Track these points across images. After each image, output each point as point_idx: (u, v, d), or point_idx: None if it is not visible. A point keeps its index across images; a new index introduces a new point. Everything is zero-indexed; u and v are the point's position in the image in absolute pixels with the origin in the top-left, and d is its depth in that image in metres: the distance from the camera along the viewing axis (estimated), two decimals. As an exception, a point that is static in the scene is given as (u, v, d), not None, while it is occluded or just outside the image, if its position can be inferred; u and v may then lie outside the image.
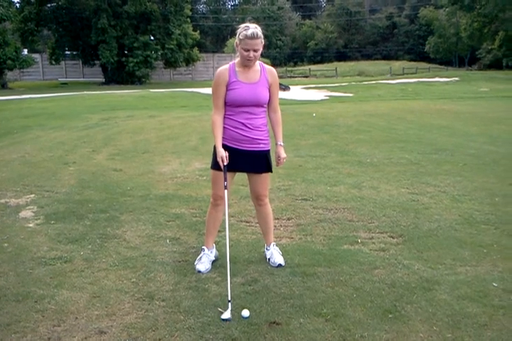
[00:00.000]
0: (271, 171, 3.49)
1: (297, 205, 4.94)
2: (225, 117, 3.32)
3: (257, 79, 3.28)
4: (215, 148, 3.36)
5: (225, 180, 3.27)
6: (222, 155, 3.23)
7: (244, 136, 3.30)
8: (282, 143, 3.47)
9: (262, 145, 3.38)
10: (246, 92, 3.23)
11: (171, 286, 3.19)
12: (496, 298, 3.00)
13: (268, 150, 3.44)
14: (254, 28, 3.11)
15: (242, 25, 3.15)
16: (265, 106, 3.37)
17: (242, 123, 3.29)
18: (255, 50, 3.14)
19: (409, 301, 2.96)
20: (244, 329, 2.67)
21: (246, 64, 3.23)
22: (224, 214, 3.35)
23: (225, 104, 3.29)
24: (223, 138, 3.31)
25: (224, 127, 3.32)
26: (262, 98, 3.28)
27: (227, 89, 3.25)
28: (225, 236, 4.01)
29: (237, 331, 2.65)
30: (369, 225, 4.33)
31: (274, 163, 3.48)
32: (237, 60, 3.29)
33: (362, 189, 5.51)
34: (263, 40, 3.18)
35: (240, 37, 3.12)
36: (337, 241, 3.95)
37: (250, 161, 3.37)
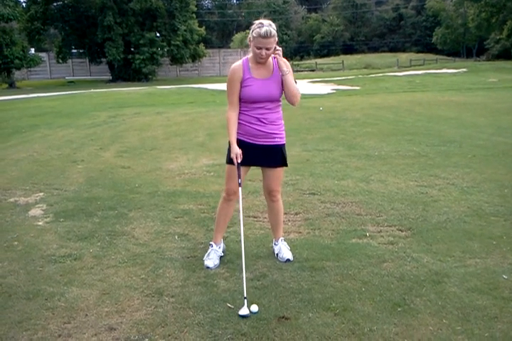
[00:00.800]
0: (286, 165, 3.49)
1: (305, 200, 4.93)
2: (240, 113, 3.32)
3: (270, 74, 3.27)
4: (229, 143, 3.36)
5: (239, 177, 3.27)
6: (237, 152, 3.23)
7: (259, 130, 3.30)
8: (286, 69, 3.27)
9: (277, 140, 3.38)
10: (260, 89, 3.23)
11: (180, 282, 3.21)
12: (506, 290, 2.98)
13: (283, 144, 3.43)
14: (268, 26, 3.06)
15: (257, 22, 3.12)
16: (280, 100, 3.36)
17: (257, 118, 3.29)
18: (268, 49, 3.13)
19: (419, 294, 2.95)
20: (253, 324, 2.67)
21: (258, 61, 3.22)
22: (238, 211, 3.34)
23: (240, 100, 3.29)
24: (239, 133, 3.32)
25: (239, 122, 3.32)
26: (275, 93, 3.27)
27: (241, 86, 3.25)
28: (233, 231, 4.04)
29: (246, 326, 2.66)
30: (377, 219, 4.31)
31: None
32: (250, 55, 3.27)
33: (370, 182, 5.49)
34: (276, 38, 3.14)
35: (254, 34, 3.09)
36: (345, 235, 3.94)
37: (265, 155, 3.37)
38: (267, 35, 3.06)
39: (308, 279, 3.20)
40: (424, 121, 10.24)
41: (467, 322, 2.65)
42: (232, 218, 4.19)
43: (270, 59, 3.29)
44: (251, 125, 3.30)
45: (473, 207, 4.53)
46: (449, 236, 3.86)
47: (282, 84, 3.27)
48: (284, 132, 3.44)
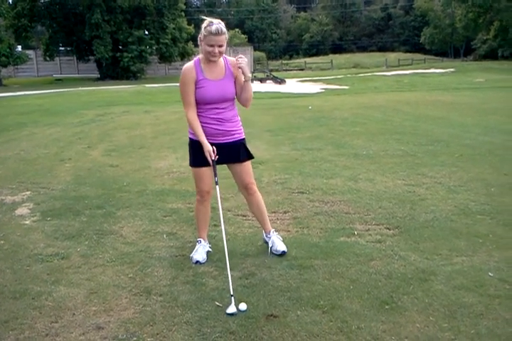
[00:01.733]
0: (252, 157, 3.54)
1: (294, 198, 4.94)
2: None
3: (222, 75, 3.29)
4: (190, 145, 3.42)
5: (215, 175, 3.31)
6: (209, 149, 3.24)
7: (217, 129, 3.33)
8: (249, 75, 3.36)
9: (236, 136, 3.43)
10: (213, 90, 3.25)
11: (168, 281, 3.20)
12: (491, 287, 3.01)
13: (243, 139, 3.49)
14: (218, 24, 3.10)
15: (206, 21, 3.13)
16: (234, 98, 3.39)
17: (214, 118, 3.32)
18: (220, 46, 3.14)
19: (406, 292, 2.98)
20: (241, 323, 2.68)
21: (210, 59, 3.21)
22: (218, 209, 3.35)
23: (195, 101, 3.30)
24: None
25: None
26: (229, 94, 3.31)
27: (195, 87, 3.25)
28: (221, 230, 4.03)
29: (234, 324, 2.66)
30: (365, 217, 4.34)
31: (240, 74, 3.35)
32: (201, 55, 3.28)
33: (358, 181, 5.52)
34: (227, 36, 3.18)
35: (205, 33, 3.11)
36: (333, 234, 3.96)
37: (229, 153, 3.39)
38: (218, 33, 3.08)
39: (297, 277, 3.21)
40: (412, 120, 10.31)
41: (454, 319, 2.68)
42: (219, 217, 4.20)
43: (222, 59, 3.30)
44: (208, 125, 3.32)
45: (459, 205, 4.57)
46: (435, 234, 3.89)
47: (235, 83, 3.31)
48: (241, 127, 3.49)
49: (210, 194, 3.53)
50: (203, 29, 3.13)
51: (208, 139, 3.29)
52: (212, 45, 3.13)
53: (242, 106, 3.42)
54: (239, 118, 3.49)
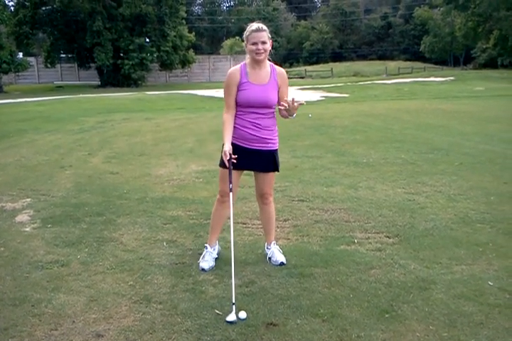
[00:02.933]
0: (278, 170, 3.55)
1: (294, 206, 4.94)
2: (235, 117, 3.37)
3: (266, 80, 3.33)
4: (223, 146, 3.38)
5: (231, 182, 3.26)
6: (226, 149, 3.24)
7: (253, 135, 3.35)
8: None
9: (270, 145, 3.44)
10: (256, 93, 3.29)
11: (168, 289, 3.20)
12: (491, 296, 3.01)
13: (276, 150, 3.50)
14: (258, 23, 3.24)
15: (248, 26, 3.27)
16: (274, 107, 3.41)
17: (252, 123, 3.34)
18: (263, 42, 3.21)
19: (406, 301, 2.97)
20: (241, 331, 2.67)
21: (256, 58, 3.26)
22: (228, 217, 3.34)
23: (236, 103, 3.34)
24: (233, 137, 3.35)
25: (234, 126, 3.37)
26: (270, 99, 3.33)
27: (237, 90, 3.30)
28: (222, 238, 4.03)
29: (234, 333, 2.66)
30: (365, 225, 4.34)
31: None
32: (247, 60, 3.34)
33: (358, 189, 5.53)
34: (269, 35, 3.25)
35: (247, 33, 3.23)
36: (333, 242, 3.96)
37: (258, 160, 3.41)
38: (259, 29, 3.20)
39: (297, 286, 3.21)
40: (412, 128, 10.34)
41: (453, 328, 2.67)
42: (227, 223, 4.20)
43: (268, 65, 3.35)
44: (245, 129, 3.35)
45: (459, 214, 4.58)
46: (435, 243, 3.89)
47: (278, 92, 3.36)
48: (277, 138, 3.51)
49: (230, 196, 3.49)
50: (245, 32, 3.23)
51: (241, 143, 3.35)
52: (255, 43, 3.20)
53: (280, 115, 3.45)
54: (277, 128, 3.50)
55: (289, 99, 3.25)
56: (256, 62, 3.30)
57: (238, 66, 3.37)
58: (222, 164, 3.41)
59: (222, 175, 3.49)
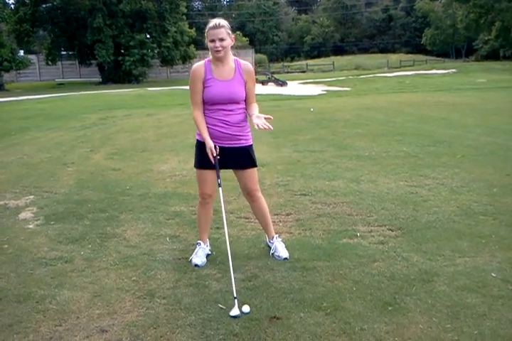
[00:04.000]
0: (255, 166, 3.50)
1: (296, 200, 4.94)
2: (204, 115, 3.33)
3: (231, 76, 3.27)
4: (196, 146, 3.42)
5: (218, 177, 3.29)
6: (211, 146, 3.22)
7: (223, 132, 3.31)
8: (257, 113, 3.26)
9: (242, 141, 3.39)
10: (221, 90, 3.23)
11: (172, 284, 3.21)
12: (494, 288, 3.01)
13: (250, 145, 3.44)
14: (216, 19, 3.17)
15: (208, 22, 3.20)
16: (242, 102, 3.35)
17: (220, 120, 3.29)
18: (221, 39, 3.13)
19: (409, 293, 2.98)
20: (245, 325, 2.68)
21: (216, 56, 3.20)
22: (221, 212, 3.35)
23: (203, 101, 3.30)
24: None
25: None
26: (237, 95, 3.27)
27: (203, 86, 3.26)
28: (224, 233, 4.04)
29: (238, 326, 2.67)
30: (368, 219, 4.34)
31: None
32: (211, 57, 3.29)
33: (360, 183, 5.52)
34: (230, 31, 3.17)
35: (206, 30, 3.17)
36: (336, 235, 3.96)
37: (233, 158, 3.37)
38: (216, 26, 3.12)
39: (300, 279, 3.21)
40: (413, 121, 10.31)
41: (457, 320, 2.68)
42: (222, 220, 4.21)
43: (231, 60, 3.29)
44: (214, 127, 3.30)
45: (462, 206, 4.57)
46: (438, 235, 3.89)
47: (245, 87, 3.30)
48: (249, 133, 3.45)
49: (212, 197, 3.54)
50: (206, 30, 3.18)
51: (213, 142, 3.28)
52: (213, 40, 3.14)
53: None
54: (248, 124, 3.43)
55: (256, 112, 3.20)
56: (218, 59, 3.24)
57: (202, 62, 3.30)
58: (197, 165, 3.43)
59: (199, 176, 3.48)
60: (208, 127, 3.30)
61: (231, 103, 3.27)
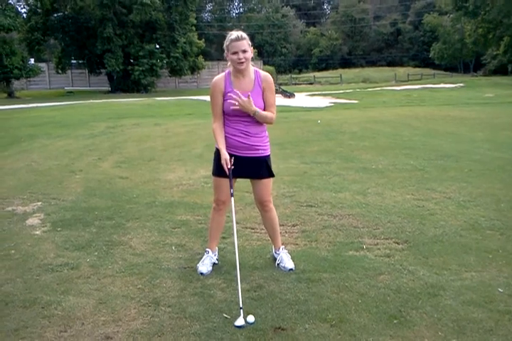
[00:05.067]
0: (272, 176, 3.54)
1: (302, 211, 4.95)
2: (224, 125, 3.38)
3: (250, 87, 3.31)
4: (215, 154, 3.44)
5: (231, 187, 3.31)
6: (226, 157, 3.26)
7: (242, 143, 3.35)
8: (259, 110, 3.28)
9: (260, 152, 3.43)
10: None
11: (177, 292, 3.21)
12: (501, 303, 2.99)
13: (268, 156, 3.49)
14: (237, 32, 3.20)
15: (228, 35, 3.24)
16: None
17: (240, 131, 3.35)
18: (244, 51, 3.17)
19: (415, 307, 2.96)
20: (249, 335, 2.68)
21: (238, 68, 3.24)
22: (232, 221, 3.37)
23: (223, 112, 3.34)
24: None
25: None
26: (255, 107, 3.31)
27: (223, 99, 3.30)
28: (230, 242, 4.06)
29: (242, 336, 2.66)
30: (374, 231, 4.33)
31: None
32: (231, 68, 3.32)
33: (367, 195, 5.52)
34: (250, 42, 3.21)
35: (227, 43, 3.20)
36: (342, 248, 3.96)
37: (251, 167, 3.41)
38: (238, 38, 3.16)
39: (305, 290, 3.21)
40: (421, 135, 10.30)
41: (463, 334, 2.66)
42: (230, 229, 4.22)
43: (252, 71, 3.32)
44: (234, 137, 3.35)
45: (469, 220, 4.56)
46: (445, 249, 3.88)
47: (263, 98, 3.32)
48: (267, 144, 3.50)
49: (225, 204, 3.57)
50: (225, 42, 3.21)
51: (231, 151, 3.33)
52: (235, 52, 3.17)
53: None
54: (267, 134, 3.49)
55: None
56: (239, 71, 3.27)
57: (222, 75, 3.35)
58: (215, 172, 3.46)
59: (215, 183, 3.53)
60: (228, 136, 3.36)
61: (249, 115, 3.29)
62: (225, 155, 3.27)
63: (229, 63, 3.29)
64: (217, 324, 2.80)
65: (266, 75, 3.38)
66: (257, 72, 3.35)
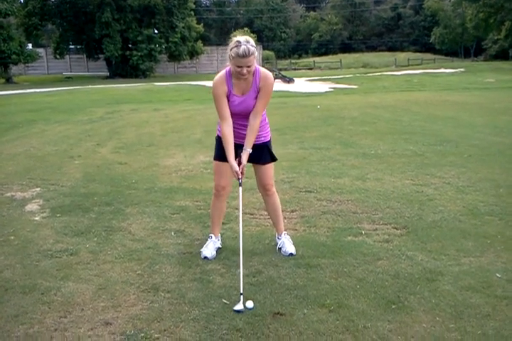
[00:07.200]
0: (274, 160, 3.58)
1: (301, 197, 4.95)
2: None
3: (248, 90, 3.26)
4: (217, 140, 3.46)
5: (240, 185, 3.35)
6: (236, 170, 3.27)
7: (244, 134, 3.35)
8: (250, 149, 3.31)
9: (262, 139, 3.48)
10: (238, 105, 3.28)
11: (176, 278, 3.22)
12: (499, 288, 3.00)
13: (268, 141, 3.55)
14: (245, 44, 2.98)
15: (234, 40, 3.04)
16: None
17: (241, 124, 3.37)
18: (248, 66, 3.08)
19: (413, 292, 2.97)
20: (248, 320, 2.69)
21: (240, 78, 3.19)
22: (236, 208, 3.39)
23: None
24: None
25: None
26: (250, 109, 3.30)
27: (228, 100, 3.27)
28: (229, 228, 4.07)
29: (241, 322, 2.67)
30: (373, 217, 4.34)
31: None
32: (230, 66, 3.18)
33: (366, 181, 5.51)
34: (256, 54, 3.05)
35: (232, 54, 3.03)
36: (341, 233, 3.96)
37: (253, 153, 3.40)
38: (245, 55, 2.99)
39: (304, 276, 3.22)
40: (421, 120, 10.27)
41: (460, 319, 2.67)
42: (229, 215, 4.22)
43: (252, 73, 3.23)
44: (237, 129, 3.35)
45: (468, 206, 4.56)
46: (443, 234, 3.88)
47: (257, 96, 3.27)
48: (268, 130, 3.55)
49: (226, 190, 3.59)
50: (230, 50, 3.04)
51: (236, 141, 3.31)
52: (240, 67, 3.06)
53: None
54: (267, 121, 3.53)
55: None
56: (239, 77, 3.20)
57: (223, 75, 3.22)
58: (216, 157, 3.49)
59: (216, 168, 3.55)
60: None
61: (246, 116, 3.31)
62: (235, 168, 3.25)
63: (228, 62, 3.18)
64: (216, 309, 2.81)
65: (266, 76, 3.25)
66: (257, 72, 3.23)
